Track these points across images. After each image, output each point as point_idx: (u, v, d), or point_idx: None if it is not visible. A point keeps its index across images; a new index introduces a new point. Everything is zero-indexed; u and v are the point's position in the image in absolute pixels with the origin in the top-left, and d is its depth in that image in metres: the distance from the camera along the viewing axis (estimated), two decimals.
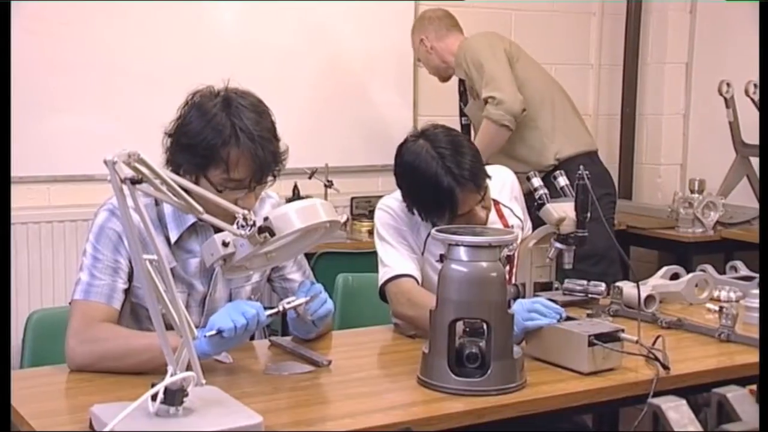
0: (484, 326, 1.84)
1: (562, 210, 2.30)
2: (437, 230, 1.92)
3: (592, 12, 4.81)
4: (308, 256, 2.55)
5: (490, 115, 3.56)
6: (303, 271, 2.28)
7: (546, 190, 2.35)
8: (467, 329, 1.88)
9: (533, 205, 2.37)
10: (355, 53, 4.23)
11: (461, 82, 3.88)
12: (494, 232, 1.99)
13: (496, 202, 2.47)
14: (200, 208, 1.60)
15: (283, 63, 4.06)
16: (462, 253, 1.84)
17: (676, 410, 1.34)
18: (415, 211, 2.33)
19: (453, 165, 2.22)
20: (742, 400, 1.37)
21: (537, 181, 2.37)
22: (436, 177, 2.22)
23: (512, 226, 2.47)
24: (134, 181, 1.43)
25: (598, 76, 4.85)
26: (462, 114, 3.97)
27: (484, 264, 1.83)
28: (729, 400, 1.37)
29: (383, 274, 2.33)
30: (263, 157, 1.94)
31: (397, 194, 2.40)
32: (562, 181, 2.39)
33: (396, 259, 2.33)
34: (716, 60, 4.59)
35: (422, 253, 2.37)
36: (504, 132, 3.58)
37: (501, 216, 2.48)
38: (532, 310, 2.03)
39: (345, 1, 4.14)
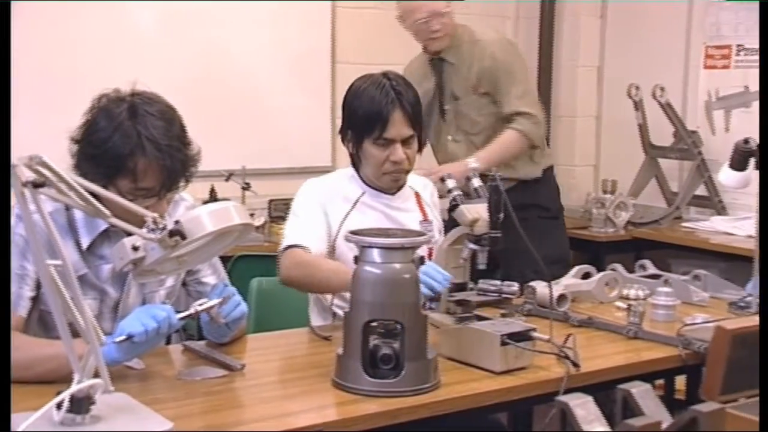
0: (398, 327, 1.85)
1: (476, 211, 2.32)
2: (350, 232, 1.93)
3: (507, 16, 4.88)
4: (225, 260, 2.52)
5: (528, 133, 3.44)
6: (218, 274, 2.25)
7: (460, 192, 2.37)
8: (381, 330, 1.89)
9: (448, 205, 2.40)
10: (273, 54, 4.21)
11: (441, 70, 3.58)
12: (406, 234, 2.00)
13: (418, 195, 2.55)
14: (108, 213, 1.57)
15: (199, 64, 4.02)
16: (375, 254, 1.85)
17: (583, 407, 1.37)
18: (349, 135, 2.43)
19: (400, 88, 2.38)
20: (645, 395, 1.42)
21: (451, 182, 2.39)
22: (378, 89, 2.36)
23: (431, 222, 2.54)
24: (36, 185, 1.39)
25: None
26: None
27: (397, 266, 1.84)
28: (633, 395, 1.42)
29: (280, 246, 2.38)
30: (171, 166, 1.91)
31: (323, 177, 2.51)
32: (476, 182, 2.41)
33: (296, 230, 2.38)
34: (625, 63, 4.71)
35: (338, 231, 2.38)
36: (527, 150, 3.50)
37: (422, 209, 2.55)
38: (424, 273, 2.06)
39: (262, 1, 4.12)
